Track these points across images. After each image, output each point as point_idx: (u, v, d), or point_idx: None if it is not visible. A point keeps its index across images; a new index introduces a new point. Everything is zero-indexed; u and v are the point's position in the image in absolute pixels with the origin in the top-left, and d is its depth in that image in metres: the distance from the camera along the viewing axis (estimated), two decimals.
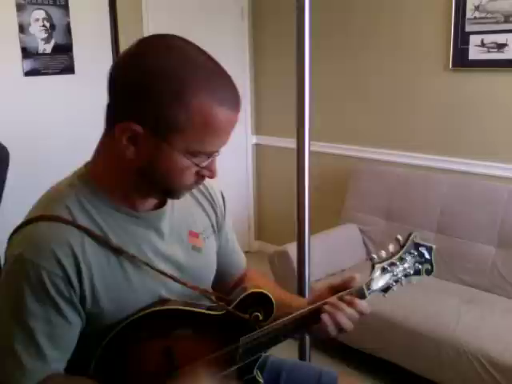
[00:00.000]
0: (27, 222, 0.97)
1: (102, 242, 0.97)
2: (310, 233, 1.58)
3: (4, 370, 0.94)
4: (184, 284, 1.06)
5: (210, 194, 1.19)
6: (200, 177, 0.99)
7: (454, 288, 2.58)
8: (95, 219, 0.98)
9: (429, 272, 1.17)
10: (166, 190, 1.01)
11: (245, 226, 4.07)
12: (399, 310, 2.36)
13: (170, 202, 1.09)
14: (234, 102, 0.94)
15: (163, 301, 1.04)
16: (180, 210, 1.11)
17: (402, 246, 1.15)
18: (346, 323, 1.06)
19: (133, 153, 0.94)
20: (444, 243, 2.70)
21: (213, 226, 1.19)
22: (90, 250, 0.96)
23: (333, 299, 1.07)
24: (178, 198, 1.05)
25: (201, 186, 1.17)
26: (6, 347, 0.93)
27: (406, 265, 1.14)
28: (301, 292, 1.62)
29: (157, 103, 0.90)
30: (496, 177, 2.76)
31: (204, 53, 0.95)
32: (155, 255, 1.04)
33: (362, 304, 1.08)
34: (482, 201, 2.66)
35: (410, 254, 1.15)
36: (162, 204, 1.08)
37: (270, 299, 1.08)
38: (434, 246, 1.18)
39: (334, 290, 1.11)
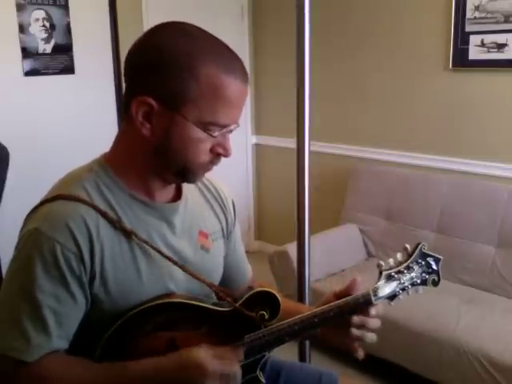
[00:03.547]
0: (44, 202, 0.99)
1: (116, 225, 0.99)
2: (310, 233, 1.58)
3: (9, 340, 0.94)
4: (191, 274, 1.07)
5: (222, 199, 1.22)
6: (215, 155, 1.02)
7: (454, 288, 2.57)
8: (111, 204, 1.00)
9: (435, 283, 1.18)
10: (182, 169, 1.02)
11: (245, 225, 4.07)
12: (399, 310, 2.35)
13: (184, 198, 1.11)
14: (242, 73, 0.98)
15: (170, 294, 1.05)
16: (193, 209, 1.14)
17: (409, 256, 1.16)
18: (372, 337, 1.11)
19: (149, 130, 0.97)
20: (444, 243, 2.70)
21: (222, 230, 1.21)
22: (103, 232, 0.98)
23: (357, 319, 1.10)
24: (194, 180, 1.08)
25: (214, 192, 1.21)
26: (13, 319, 0.94)
27: (413, 274, 1.15)
28: (301, 292, 1.62)
29: (168, 76, 0.94)
30: (496, 177, 2.76)
31: (210, 34, 1.00)
32: (165, 246, 1.06)
33: (380, 308, 1.12)
34: (482, 201, 2.66)
35: (418, 263, 1.16)
36: (176, 198, 1.11)
37: (277, 299, 1.08)
38: (441, 258, 1.18)
39: (339, 296, 1.13)
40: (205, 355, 0.96)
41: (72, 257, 0.94)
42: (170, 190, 1.10)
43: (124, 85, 1.03)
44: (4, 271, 2.72)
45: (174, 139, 0.97)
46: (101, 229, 0.97)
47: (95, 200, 0.99)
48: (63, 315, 0.95)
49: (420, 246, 1.16)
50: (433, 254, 1.18)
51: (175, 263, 1.05)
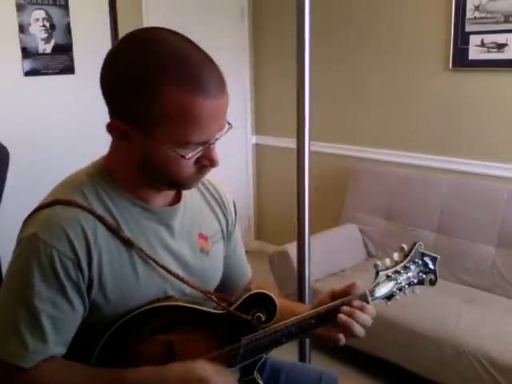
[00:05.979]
0: (43, 207, 0.98)
1: (114, 231, 0.98)
2: (310, 233, 1.58)
3: (7, 347, 0.94)
4: (187, 283, 1.06)
5: (222, 201, 1.21)
6: (201, 166, 0.99)
7: (454, 288, 2.58)
8: (110, 209, 0.99)
9: (432, 282, 1.17)
10: (170, 182, 1.01)
11: (245, 225, 4.07)
12: (399, 309, 2.36)
13: (183, 201, 1.10)
14: (213, 86, 0.90)
15: (168, 297, 1.05)
16: (192, 212, 1.13)
17: (406, 255, 1.15)
18: (360, 330, 1.06)
19: (126, 148, 0.96)
20: (444, 243, 2.70)
21: (222, 231, 1.20)
22: (101, 238, 0.97)
23: (347, 308, 1.07)
24: (188, 188, 1.06)
25: (214, 193, 1.20)
26: (10, 324, 0.94)
27: (410, 274, 1.15)
28: (301, 292, 1.62)
29: (132, 100, 0.91)
30: (496, 177, 2.76)
31: (178, 39, 0.93)
32: (163, 250, 1.05)
33: (371, 308, 1.09)
34: (482, 201, 2.66)
35: (415, 263, 1.15)
36: (176, 201, 1.09)
37: (273, 300, 1.07)
38: (438, 257, 1.18)
39: (336, 296, 1.11)
40: (209, 369, 0.97)
41: (69, 263, 0.93)
42: (169, 193, 1.09)
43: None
44: (4, 271, 2.72)
45: (153, 159, 0.95)
46: (99, 234, 0.96)
47: (93, 205, 0.98)
48: (60, 321, 0.95)
49: (417, 246, 1.15)
50: (429, 253, 1.17)
51: (169, 272, 1.03)
